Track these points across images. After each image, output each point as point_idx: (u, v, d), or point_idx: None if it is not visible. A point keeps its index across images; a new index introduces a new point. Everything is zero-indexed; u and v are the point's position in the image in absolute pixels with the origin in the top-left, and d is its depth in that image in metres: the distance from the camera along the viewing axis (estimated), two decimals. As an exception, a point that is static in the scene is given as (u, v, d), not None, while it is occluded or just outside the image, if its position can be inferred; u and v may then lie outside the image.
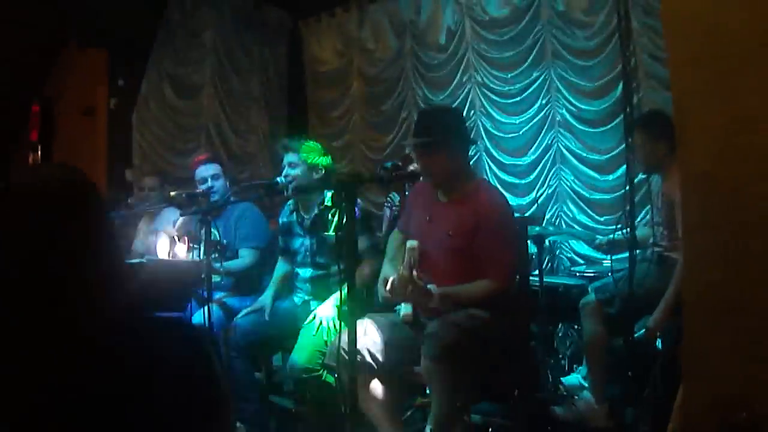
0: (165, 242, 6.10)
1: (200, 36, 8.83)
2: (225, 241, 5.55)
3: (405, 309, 3.95)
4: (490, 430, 4.74)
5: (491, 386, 4.20)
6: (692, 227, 2.74)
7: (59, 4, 8.98)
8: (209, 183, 5.58)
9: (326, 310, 4.68)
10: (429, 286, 3.76)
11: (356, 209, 4.87)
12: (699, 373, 2.65)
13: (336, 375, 4.19)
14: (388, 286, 3.87)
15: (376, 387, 4.01)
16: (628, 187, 3.65)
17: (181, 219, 5.70)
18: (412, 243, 3.90)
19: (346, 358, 2.85)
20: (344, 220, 2.82)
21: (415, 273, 3.75)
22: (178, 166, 8.40)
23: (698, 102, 2.60)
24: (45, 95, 11.38)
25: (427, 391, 4.16)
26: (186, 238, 5.60)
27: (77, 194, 1.80)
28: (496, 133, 7.07)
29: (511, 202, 4.65)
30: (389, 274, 3.99)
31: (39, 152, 11.34)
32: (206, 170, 5.66)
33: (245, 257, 5.53)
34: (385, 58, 8.27)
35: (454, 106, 5.28)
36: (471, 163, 4.30)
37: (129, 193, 7.68)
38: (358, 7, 8.50)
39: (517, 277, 4.27)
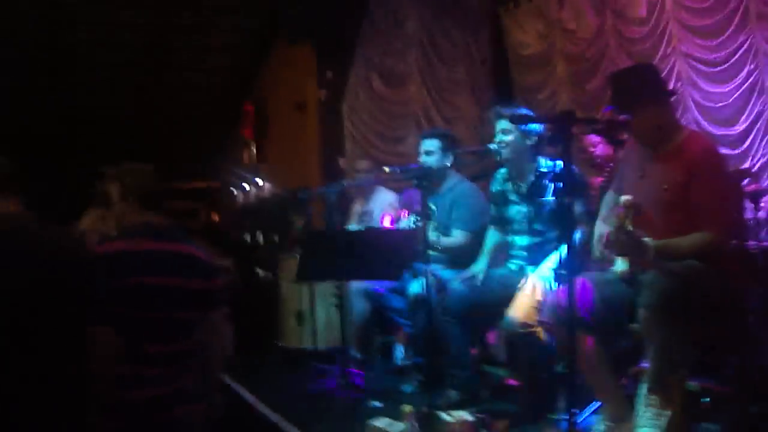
0: (388, 219, 6.36)
1: (403, 26, 9.07)
2: (439, 220, 5.70)
3: (621, 265, 3.90)
4: (708, 398, 4.63)
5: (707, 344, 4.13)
6: None
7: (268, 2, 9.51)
8: (423, 158, 5.73)
9: (542, 271, 4.74)
10: (645, 239, 3.74)
11: (573, 173, 4.94)
12: None
13: (551, 332, 4.27)
14: (604, 240, 3.88)
15: (591, 345, 4.04)
16: None
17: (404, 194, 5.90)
18: (626, 198, 3.92)
19: (563, 315, 2.85)
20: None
21: (630, 226, 3.78)
22: (388, 152, 8.72)
23: None
24: (258, 94, 12.07)
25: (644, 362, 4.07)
26: (407, 212, 5.79)
27: None
28: (704, 103, 6.88)
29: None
30: (604, 231, 3.99)
31: (254, 149, 12.04)
32: (424, 145, 5.80)
33: (457, 236, 5.64)
34: (587, 37, 8.15)
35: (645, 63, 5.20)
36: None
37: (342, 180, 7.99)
38: (557, -11, 8.46)
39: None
